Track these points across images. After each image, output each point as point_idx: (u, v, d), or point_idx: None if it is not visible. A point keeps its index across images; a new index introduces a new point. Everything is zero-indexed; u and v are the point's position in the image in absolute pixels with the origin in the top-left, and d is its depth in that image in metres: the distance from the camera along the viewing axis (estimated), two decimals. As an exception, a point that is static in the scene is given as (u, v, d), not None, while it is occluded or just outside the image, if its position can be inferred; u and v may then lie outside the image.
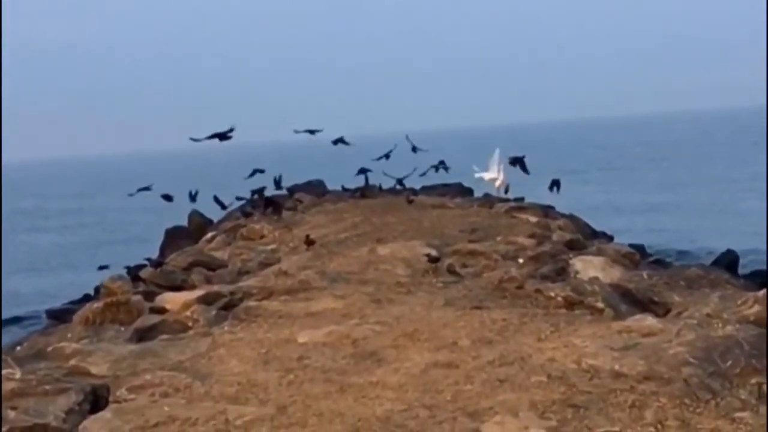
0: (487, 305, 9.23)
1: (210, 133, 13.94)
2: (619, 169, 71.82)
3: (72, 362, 7.89)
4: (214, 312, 9.91)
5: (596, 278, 10.66)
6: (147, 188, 19.12)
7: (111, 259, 37.43)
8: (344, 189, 26.05)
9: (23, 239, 52.56)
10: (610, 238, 19.95)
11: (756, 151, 76.44)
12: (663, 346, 6.89)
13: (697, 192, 52.70)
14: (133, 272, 12.81)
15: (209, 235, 22.83)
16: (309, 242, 14.56)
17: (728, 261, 22.44)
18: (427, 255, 12.14)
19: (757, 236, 31.26)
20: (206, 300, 10.53)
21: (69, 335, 9.70)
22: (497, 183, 23.29)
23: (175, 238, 28.58)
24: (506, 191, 25.67)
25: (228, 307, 10.33)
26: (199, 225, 28.56)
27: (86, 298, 18.47)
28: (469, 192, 28.48)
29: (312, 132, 19.03)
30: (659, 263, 15.10)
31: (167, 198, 19.30)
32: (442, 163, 23.48)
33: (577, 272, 11.25)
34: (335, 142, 21.38)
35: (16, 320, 27.08)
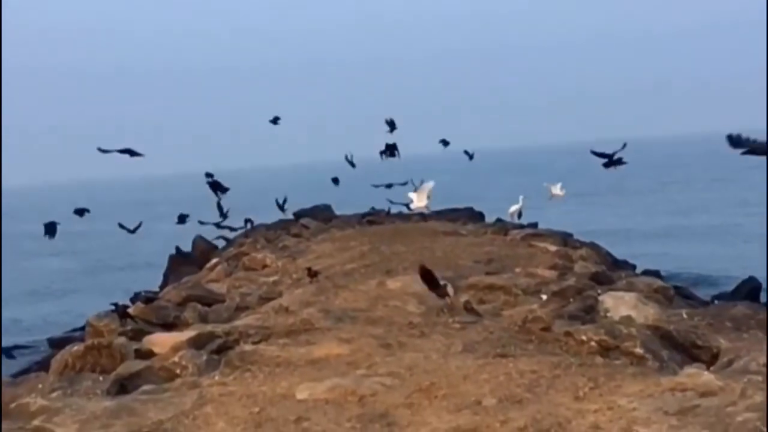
0: (512, 352, 8.13)
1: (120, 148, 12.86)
2: (629, 192, 70.71)
3: (36, 422, 6.85)
4: (204, 357, 8.86)
5: (629, 318, 9.60)
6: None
7: (116, 284, 36.76)
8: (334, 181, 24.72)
9: (26, 265, 51.68)
10: (633, 267, 18.87)
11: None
12: (728, 411, 5.80)
13: (710, 216, 51.76)
14: (121, 309, 11.76)
15: (212, 262, 22.08)
16: (312, 275, 13.53)
17: (750, 289, 21.44)
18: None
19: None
20: (197, 342, 9.50)
21: (40, 386, 8.65)
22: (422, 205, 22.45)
23: (179, 264, 27.97)
24: (519, 216, 24.76)
25: (221, 350, 9.32)
26: (203, 251, 27.98)
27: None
28: (480, 217, 27.59)
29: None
30: (694, 299, 14.01)
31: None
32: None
33: (607, 310, 10.15)
34: (386, 151, 20.12)
35: (16, 349, 26.22)
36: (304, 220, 25.73)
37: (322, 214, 27.97)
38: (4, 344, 26.55)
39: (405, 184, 21.75)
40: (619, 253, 22.69)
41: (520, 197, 22.54)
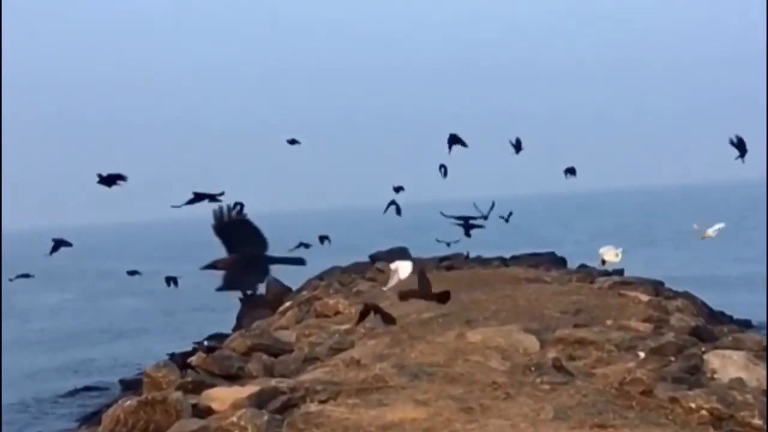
0: (611, 421, 7.17)
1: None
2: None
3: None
4: (266, 417, 8.04)
5: (740, 380, 8.57)
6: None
7: (189, 326, 36.40)
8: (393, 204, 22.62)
9: (103, 304, 51.82)
10: (730, 319, 17.69)
11: None
12: None
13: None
14: (180, 360, 11.01)
15: (285, 305, 21.51)
16: (366, 311, 12.24)
17: None
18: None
19: None
20: (260, 399, 8.71)
21: (84, 447, 7.88)
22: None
23: (252, 306, 27.47)
24: (603, 263, 23.82)
25: (285, 408, 8.50)
26: (277, 294, 27.39)
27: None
28: (562, 262, 26.62)
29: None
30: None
31: None
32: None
33: (714, 371, 9.15)
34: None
35: (87, 390, 25.86)
36: (379, 264, 24.94)
37: (399, 257, 27.16)
38: (76, 385, 26.34)
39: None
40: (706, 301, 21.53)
41: (619, 249, 21.30)
